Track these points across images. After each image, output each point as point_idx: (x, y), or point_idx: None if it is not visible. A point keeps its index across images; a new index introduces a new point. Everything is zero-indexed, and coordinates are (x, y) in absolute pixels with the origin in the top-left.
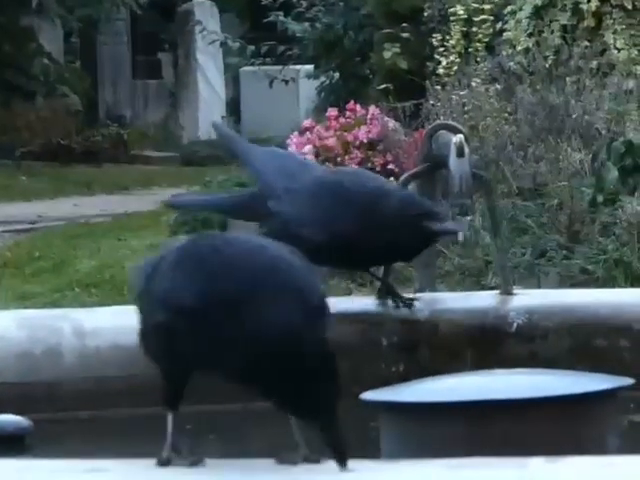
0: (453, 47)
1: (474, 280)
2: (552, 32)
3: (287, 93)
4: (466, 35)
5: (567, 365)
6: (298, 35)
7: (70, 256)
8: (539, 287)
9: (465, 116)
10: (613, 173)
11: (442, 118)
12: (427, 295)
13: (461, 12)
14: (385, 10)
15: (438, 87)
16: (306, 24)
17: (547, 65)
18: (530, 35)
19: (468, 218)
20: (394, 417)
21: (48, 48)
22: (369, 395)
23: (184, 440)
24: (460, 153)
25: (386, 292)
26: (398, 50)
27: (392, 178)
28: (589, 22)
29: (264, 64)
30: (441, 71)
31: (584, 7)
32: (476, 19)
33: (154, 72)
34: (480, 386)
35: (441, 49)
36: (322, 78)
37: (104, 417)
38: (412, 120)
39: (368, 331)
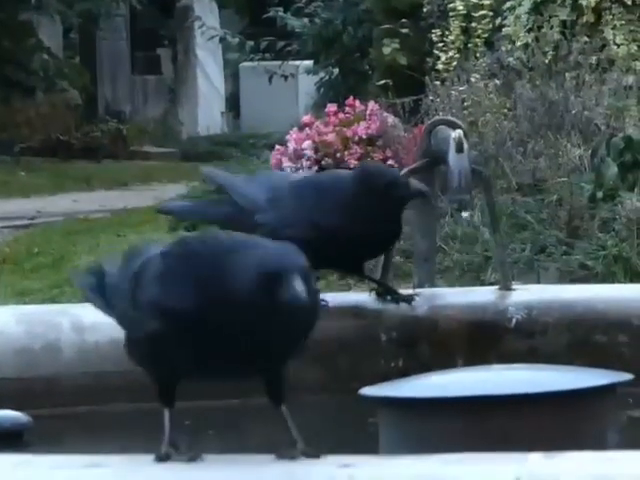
0: (452, 43)
1: (473, 276)
2: (551, 28)
3: (286, 89)
4: (465, 31)
5: (566, 360)
6: (297, 31)
7: (69, 252)
8: (538, 283)
9: (464, 112)
10: (613, 169)
11: (441, 114)
12: (426, 291)
13: (460, 8)
14: (384, 6)
15: (437, 83)
16: (305, 20)
17: (546, 61)
18: (529, 31)
19: (466, 214)
20: (393, 412)
21: (47, 44)
22: (368, 391)
23: (182, 436)
24: (459, 149)
25: (385, 292)
26: (397, 46)
27: None
28: (588, 18)
29: (263, 60)
30: (440, 67)
31: (583, 3)
32: (475, 15)
33: (153, 68)
34: (479, 381)
35: (440, 45)
36: (321, 74)
37: (103, 412)
38: (411, 116)
39: (367, 327)
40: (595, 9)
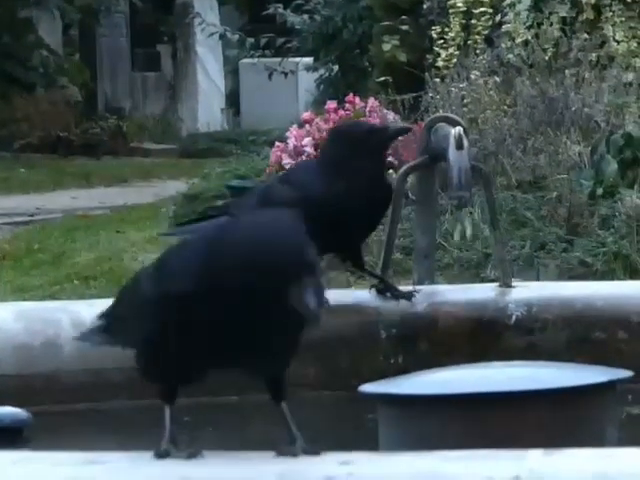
0: (452, 39)
1: (473, 272)
2: (551, 24)
3: (286, 85)
4: (465, 27)
5: (566, 357)
6: (297, 27)
7: (69, 248)
8: (538, 279)
9: (464, 109)
10: (612, 166)
11: (441, 110)
12: (426, 287)
13: (460, 4)
14: (384, 2)
15: (437, 79)
16: (305, 16)
17: (546, 58)
18: (529, 27)
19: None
20: (392, 410)
21: (47, 40)
22: (367, 387)
23: (182, 432)
24: (459, 146)
25: (385, 289)
26: (397, 42)
27: (391, 170)
28: (588, 14)
29: (263, 56)
30: (440, 63)
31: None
32: (475, 11)
33: (153, 64)
34: (478, 378)
35: (440, 41)
36: (321, 70)
37: (103, 409)
38: (411, 112)
39: (367, 323)
40: (595, 6)
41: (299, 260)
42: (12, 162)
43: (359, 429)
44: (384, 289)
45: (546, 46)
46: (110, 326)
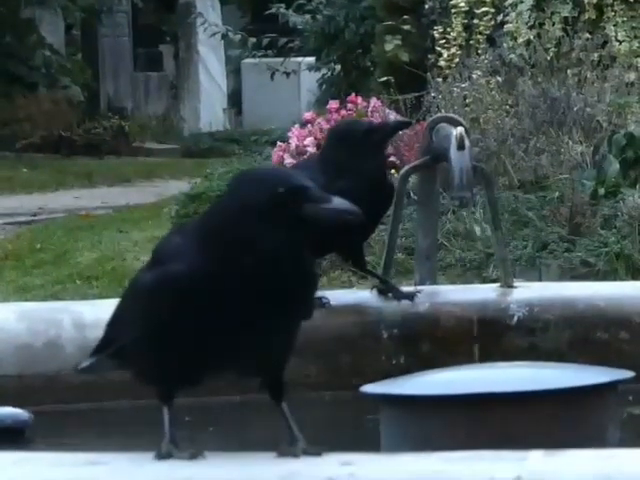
0: (454, 39)
1: (475, 273)
2: (553, 24)
3: (288, 85)
4: (467, 27)
5: (567, 358)
6: (299, 27)
7: (71, 248)
8: (540, 280)
9: (466, 108)
10: (614, 166)
11: (443, 110)
12: (428, 288)
13: (462, 4)
14: (386, 2)
15: (439, 79)
16: (307, 16)
17: (548, 57)
18: (531, 27)
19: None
20: (394, 410)
21: (49, 40)
22: (369, 388)
23: (183, 433)
24: (460, 146)
25: (386, 289)
26: (399, 42)
27: (393, 171)
28: (590, 14)
29: (265, 56)
30: (442, 63)
31: None
32: (477, 11)
33: (155, 64)
34: (480, 379)
35: (442, 41)
36: (323, 70)
37: (104, 409)
38: (413, 112)
39: (369, 324)
40: (597, 6)
41: (290, 178)
42: (14, 162)
43: (360, 429)
44: (386, 289)
45: (548, 46)
46: (110, 343)
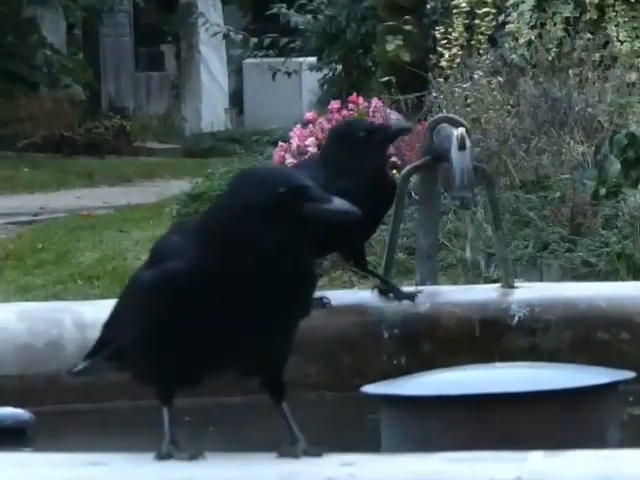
0: (455, 39)
1: (476, 273)
2: (555, 24)
3: (290, 85)
4: (468, 27)
5: (568, 358)
6: (301, 27)
7: (72, 248)
8: (541, 280)
9: (467, 109)
10: (615, 166)
11: (444, 111)
12: (429, 288)
13: (463, 4)
14: (387, 2)
15: (440, 79)
16: (309, 16)
17: (550, 57)
18: (533, 27)
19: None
20: (395, 410)
21: (51, 39)
22: (370, 388)
23: (183, 433)
24: (461, 146)
25: (387, 289)
26: (400, 42)
27: (394, 171)
28: (592, 14)
29: (267, 56)
30: (443, 63)
31: None
32: (479, 11)
33: (157, 64)
34: (481, 379)
35: (443, 41)
36: (325, 70)
37: (105, 410)
38: (415, 112)
39: (369, 324)
40: (598, 6)
41: (291, 178)
42: (16, 161)
43: (361, 430)
44: (386, 289)
45: (549, 46)
46: (107, 345)
